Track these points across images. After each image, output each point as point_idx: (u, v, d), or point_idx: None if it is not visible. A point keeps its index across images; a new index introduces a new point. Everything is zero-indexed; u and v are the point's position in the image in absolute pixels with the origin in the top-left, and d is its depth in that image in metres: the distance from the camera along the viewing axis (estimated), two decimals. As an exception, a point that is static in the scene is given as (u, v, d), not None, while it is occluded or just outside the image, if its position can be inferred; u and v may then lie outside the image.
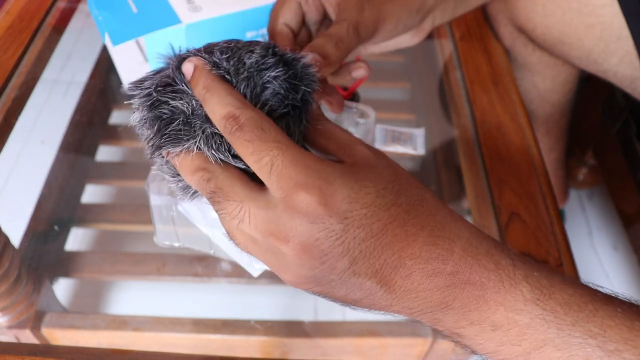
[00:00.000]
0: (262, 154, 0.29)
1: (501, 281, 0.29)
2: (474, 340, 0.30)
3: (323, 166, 0.29)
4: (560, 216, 0.58)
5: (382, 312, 0.32)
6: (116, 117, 0.85)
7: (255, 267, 0.58)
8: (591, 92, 1.05)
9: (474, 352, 0.31)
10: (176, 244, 0.61)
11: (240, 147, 0.30)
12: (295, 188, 0.28)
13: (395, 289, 0.30)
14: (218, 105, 0.31)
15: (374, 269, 0.29)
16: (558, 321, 0.28)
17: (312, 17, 0.45)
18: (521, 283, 0.29)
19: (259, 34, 0.66)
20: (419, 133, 0.73)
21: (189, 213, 0.57)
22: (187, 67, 0.34)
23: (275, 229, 0.29)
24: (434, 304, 0.30)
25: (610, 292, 0.30)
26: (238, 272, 0.62)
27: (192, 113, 0.33)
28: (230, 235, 0.32)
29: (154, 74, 0.36)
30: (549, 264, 0.54)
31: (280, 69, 0.33)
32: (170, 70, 0.35)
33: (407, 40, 0.51)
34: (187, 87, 0.33)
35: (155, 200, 0.57)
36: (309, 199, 0.28)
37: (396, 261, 0.29)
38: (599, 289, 0.30)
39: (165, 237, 0.61)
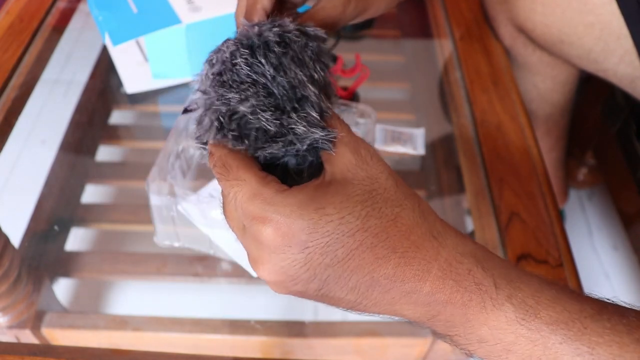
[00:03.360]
0: (226, 190, 0.31)
1: (483, 302, 0.29)
2: (464, 347, 0.31)
3: (282, 198, 0.29)
4: (560, 216, 0.58)
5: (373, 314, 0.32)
6: (116, 117, 0.85)
7: (255, 267, 0.58)
8: (591, 92, 1.05)
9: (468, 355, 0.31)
10: (176, 244, 0.61)
11: (217, 179, 0.32)
12: (254, 221, 0.29)
13: (378, 302, 0.30)
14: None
15: (347, 287, 0.30)
16: (544, 340, 0.28)
17: None
18: (504, 305, 0.28)
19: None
20: (419, 133, 0.73)
21: (189, 213, 0.57)
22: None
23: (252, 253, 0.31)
24: (418, 315, 0.30)
25: (603, 299, 0.30)
26: (238, 272, 0.62)
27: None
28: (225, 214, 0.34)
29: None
30: (549, 264, 0.54)
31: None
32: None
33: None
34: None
35: (155, 200, 0.57)
36: (267, 231, 0.29)
37: (369, 281, 0.29)
38: (593, 296, 0.30)
39: (165, 237, 0.61)
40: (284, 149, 0.32)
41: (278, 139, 0.32)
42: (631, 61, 0.68)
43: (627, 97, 0.83)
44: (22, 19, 0.76)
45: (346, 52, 0.81)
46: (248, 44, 0.33)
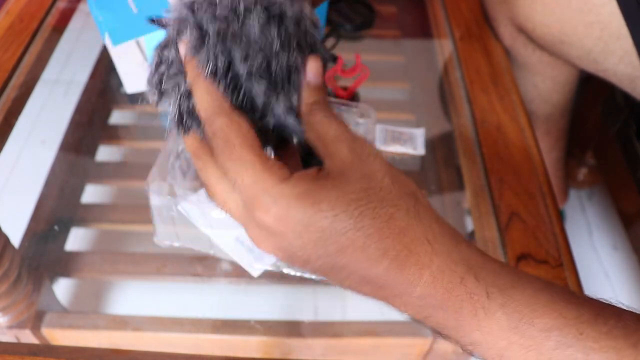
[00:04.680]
0: (226, 168, 0.31)
1: (474, 309, 0.29)
2: (458, 344, 0.31)
3: (281, 189, 0.29)
4: (560, 216, 0.58)
5: None
6: (116, 117, 0.85)
7: (255, 267, 0.58)
8: (591, 92, 1.05)
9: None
10: (176, 244, 0.61)
11: (215, 151, 0.31)
12: (254, 206, 0.30)
13: (371, 294, 0.31)
14: (199, 103, 0.32)
15: (340, 277, 0.30)
16: (538, 346, 0.28)
17: None
18: (496, 313, 0.28)
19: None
20: (419, 133, 0.73)
21: (189, 213, 0.57)
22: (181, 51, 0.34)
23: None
24: (411, 312, 0.30)
25: (602, 301, 0.30)
26: (238, 272, 0.62)
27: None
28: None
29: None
30: (549, 264, 0.54)
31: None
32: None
33: None
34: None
35: (155, 200, 0.57)
36: (266, 218, 0.29)
37: (359, 279, 0.30)
38: (591, 298, 0.30)
39: (165, 237, 0.61)
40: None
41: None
42: (631, 61, 0.68)
43: (627, 97, 0.83)
44: (22, 19, 0.77)
45: (346, 52, 0.81)
46: (266, 5, 0.32)
